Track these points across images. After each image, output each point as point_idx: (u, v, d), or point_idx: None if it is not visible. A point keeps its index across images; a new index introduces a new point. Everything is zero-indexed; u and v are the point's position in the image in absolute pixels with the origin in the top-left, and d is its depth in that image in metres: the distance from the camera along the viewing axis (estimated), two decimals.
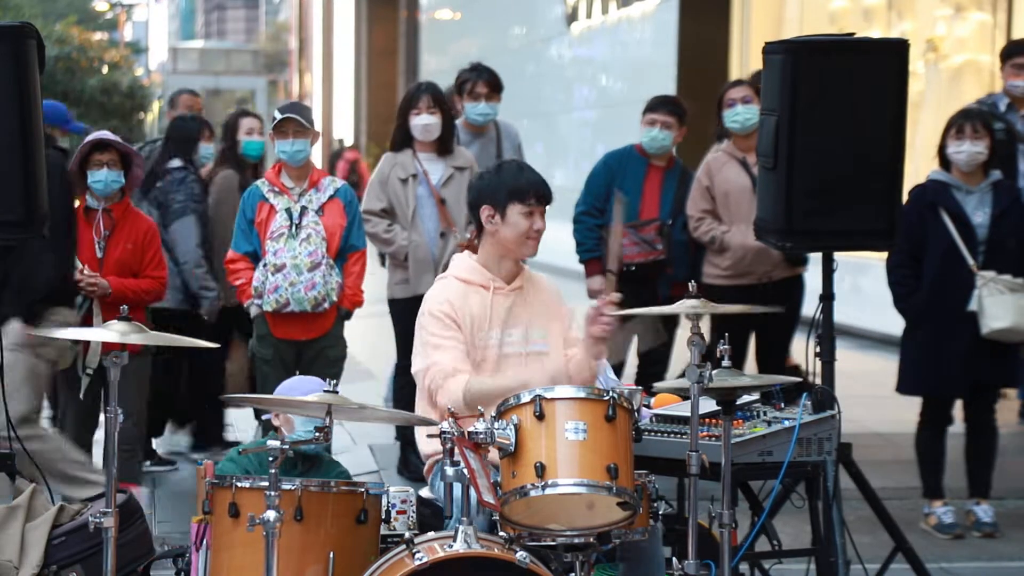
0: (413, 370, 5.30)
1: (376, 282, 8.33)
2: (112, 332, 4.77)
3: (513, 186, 5.25)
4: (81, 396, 7.04)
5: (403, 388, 8.53)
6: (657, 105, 8.51)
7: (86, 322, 6.96)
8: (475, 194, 5.40)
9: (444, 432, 4.49)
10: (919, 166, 10.59)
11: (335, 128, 40.61)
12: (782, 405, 5.61)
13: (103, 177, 6.98)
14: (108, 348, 6.27)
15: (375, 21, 35.16)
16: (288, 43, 58.82)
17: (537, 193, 5.27)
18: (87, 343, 6.89)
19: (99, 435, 7.16)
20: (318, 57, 46.23)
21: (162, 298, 7.52)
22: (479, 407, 4.66)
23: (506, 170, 5.37)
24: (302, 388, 5.27)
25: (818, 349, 6.06)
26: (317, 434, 4.52)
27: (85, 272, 6.93)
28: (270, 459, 4.44)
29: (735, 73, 15.42)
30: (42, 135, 5.59)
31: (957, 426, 7.87)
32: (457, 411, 4.68)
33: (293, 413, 5.28)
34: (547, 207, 5.32)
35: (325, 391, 4.64)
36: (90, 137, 7.18)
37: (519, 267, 5.38)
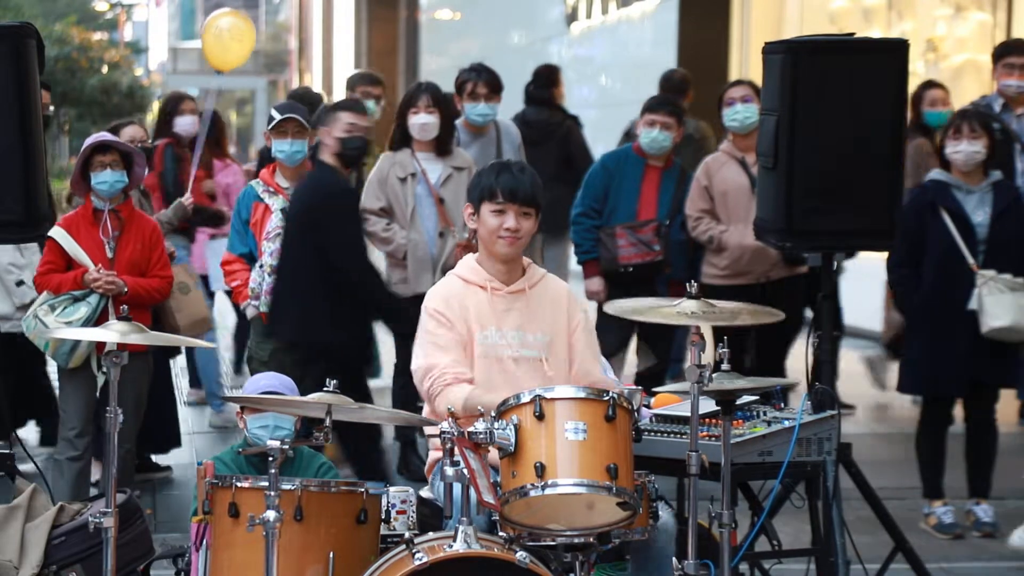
0: (413, 366, 5.25)
1: None
2: (112, 332, 4.77)
3: (486, 184, 5.22)
4: (97, 394, 7.03)
5: (403, 388, 8.52)
6: (656, 105, 8.51)
7: (101, 321, 6.95)
8: (466, 194, 5.41)
9: (444, 432, 4.49)
10: None
11: None
12: (782, 405, 5.61)
13: (107, 178, 6.95)
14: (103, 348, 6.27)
15: (375, 21, 35.06)
16: (288, 43, 58.70)
17: (507, 192, 5.17)
18: (103, 343, 6.88)
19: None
20: (318, 57, 46.15)
21: (167, 296, 7.49)
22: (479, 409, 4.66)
23: (488, 169, 5.33)
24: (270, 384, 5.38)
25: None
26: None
27: (101, 272, 6.94)
28: (270, 459, 4.44)
29: (735, 73, 15.41)
30: (42, 135, 5.59)
31: (957, 426, 7.87)
32: (456, 413, 4.65)
33: (289, 412, 5.28)
34: (532, 208, 5.20)
35: (325, 391, 4.64)
36: (90, 140, 7.18)
37: (520, 269, 5.32)
